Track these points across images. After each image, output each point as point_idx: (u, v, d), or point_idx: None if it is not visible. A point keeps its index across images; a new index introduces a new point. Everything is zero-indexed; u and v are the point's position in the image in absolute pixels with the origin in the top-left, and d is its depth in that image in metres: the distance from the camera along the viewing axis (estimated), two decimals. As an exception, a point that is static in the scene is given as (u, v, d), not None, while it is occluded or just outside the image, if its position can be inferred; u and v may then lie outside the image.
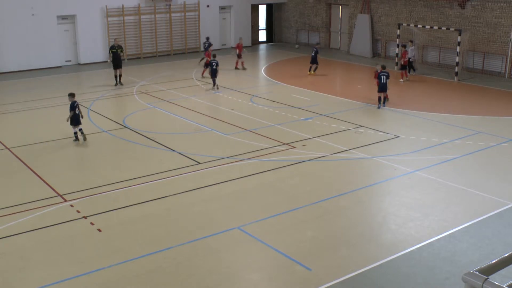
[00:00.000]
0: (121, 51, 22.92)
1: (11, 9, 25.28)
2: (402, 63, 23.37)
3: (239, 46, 25.84)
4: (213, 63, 21.63)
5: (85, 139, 15.28)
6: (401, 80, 23.10)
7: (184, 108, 18.95)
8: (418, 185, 12.19)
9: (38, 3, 25.85)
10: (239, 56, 25.88)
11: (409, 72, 23.64)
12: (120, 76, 22.83)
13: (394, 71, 24.24)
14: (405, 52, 23.16)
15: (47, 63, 26.58)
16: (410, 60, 23.59)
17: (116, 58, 22.59)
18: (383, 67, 19.10)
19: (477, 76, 23.95)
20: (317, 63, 24.31)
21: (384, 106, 18.94)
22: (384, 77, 18.65)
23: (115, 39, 24.25)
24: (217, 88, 21.65)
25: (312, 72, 24.41)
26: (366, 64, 27.25)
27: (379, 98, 18.96)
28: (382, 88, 18.73)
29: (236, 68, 25.90)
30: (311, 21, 32.93)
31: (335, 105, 19.37)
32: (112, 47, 22.86)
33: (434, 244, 9.61)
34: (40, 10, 25.94)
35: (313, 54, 24.20)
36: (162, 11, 29.55)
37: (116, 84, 22.71)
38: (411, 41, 24.18)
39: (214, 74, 21.65)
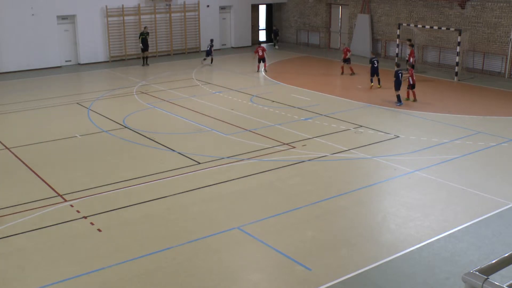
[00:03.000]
0: (148, 36, 27.25)
1: (11, 9, 25.28)
2: (412, 62, 23.26)
3: (346, 51, 24.57)
4: None
5: None
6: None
7: (184, 108, 18.95)
8: (418, 185, 12.18)
9: (38, 3, 25.84)
10: (345, 61, 24.43)
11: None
12: (147, 58, 27.13)
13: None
14: (412, 51, 23.12)
15: (47, 63, 26.58)
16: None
17: (145, 43, 26.94)
18: (397, 65, 19.64)
19: (477, 76, 23.94)
20: (377, 74, 22.06)
21: (415, 101, 19.60)
22: (400, 74, 19.16)
23: (145, 27, 27.67)
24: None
25: (378, 85, 22.01)
26: (366, 64, 27.16)
27: (398, 96, 19.18)
28: (399, 85, 19.14)
29: (343, 73, 24.65)
30: (311, 21, 32.92)
31: (335, 105, 19.37)
32: (141, 33, 27.05)
33: (434, 244, 9.61)
34: (40, 10, 25.94)
35: (375, 66, 21.85)
36: (162, 11, 29.55)
37: (143, 64, 26.96)
38: (409, 40, 24.26)
39: None
